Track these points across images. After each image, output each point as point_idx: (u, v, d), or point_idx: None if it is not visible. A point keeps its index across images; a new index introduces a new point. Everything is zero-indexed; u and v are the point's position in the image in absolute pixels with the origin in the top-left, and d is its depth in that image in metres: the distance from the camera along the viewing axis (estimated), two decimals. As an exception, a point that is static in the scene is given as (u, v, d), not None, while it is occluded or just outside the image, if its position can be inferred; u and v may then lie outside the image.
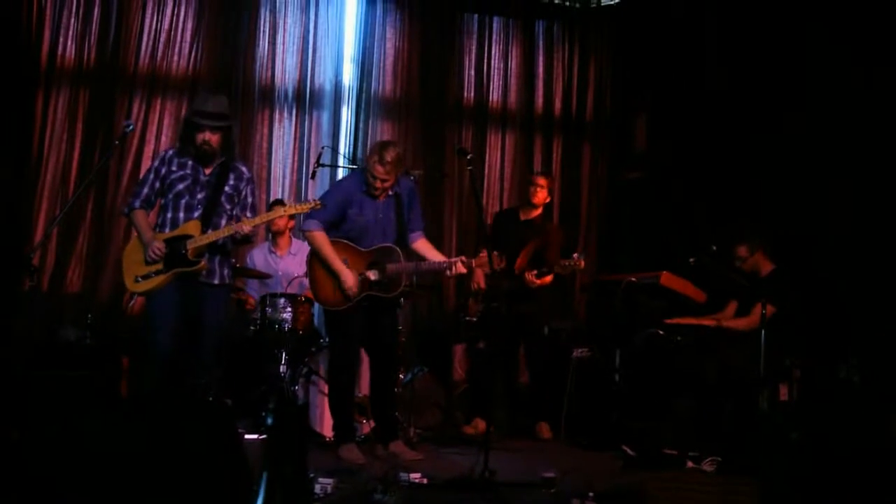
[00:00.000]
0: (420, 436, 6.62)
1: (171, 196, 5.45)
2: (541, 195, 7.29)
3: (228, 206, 5.51)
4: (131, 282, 5.39)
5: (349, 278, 5.76)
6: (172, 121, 7.96)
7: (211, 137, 5.40)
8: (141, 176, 5.61)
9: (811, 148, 7.17)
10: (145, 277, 5.34)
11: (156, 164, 5.53)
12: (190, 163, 5.46)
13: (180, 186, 5.43)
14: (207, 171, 5.47)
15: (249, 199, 5.64)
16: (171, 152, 5.54)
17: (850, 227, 6.85)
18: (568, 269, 6.90)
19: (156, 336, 5.36)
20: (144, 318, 5.53)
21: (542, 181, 7.33)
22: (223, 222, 5.46)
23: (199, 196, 5.44)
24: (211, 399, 5.59)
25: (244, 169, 5.66)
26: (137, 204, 5.47)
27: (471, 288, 7.22)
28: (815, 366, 6.42)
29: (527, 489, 4.96)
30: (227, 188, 5.49)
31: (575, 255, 6.96)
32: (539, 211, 7.36)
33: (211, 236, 5.35)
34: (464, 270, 5.87)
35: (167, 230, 5.42)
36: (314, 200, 5.62)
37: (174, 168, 5.46)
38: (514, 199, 8.64)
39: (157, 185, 5.48)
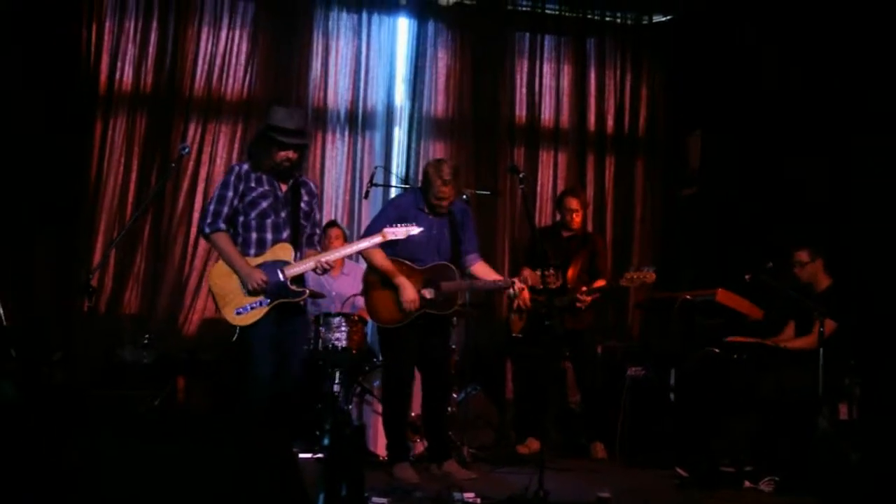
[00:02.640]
0: (474, 455, 6.60)
1: (254, 214, 5.24)
2: (577, 219, 7.23)
3: (305, 224, 5.40)
4: (232, 315, 5.14)
5: (410, 291, 5.75)
6: (227, 143, 8.10)
7: (293, 156, 5.25)
8: (216, 192, 5.32)
9: (868, 163, 7.05)
10: (246, 309, 5.14)
11: (231, 179, 5.28)
12: (265, 178, 5.29)
13: (264, 205, 5.25)
14: (283, 188, 5.33)
15: (318, 216, 5.59)
16: (245, 167, 5.31)
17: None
18: (637, 281, 6.72)
19: (257, 370, 5.16)
20: (243, 349, 5.25)
21: (574, 204, 7.23)
22: (304, 241, 5.39)
23: (283, 215, 5.28)
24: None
25: (312, 185, 5.54)
26: (222, 225, 5.23)
27: (514, 305, 7.17)
28: (876, 384, 6.30)
29: (582, 509, 4.93)
30: (302, 205, 5.37)
31: (644, 268, 6.79)
32: (579, 224, 7.32)
33: (305, 264, 5.22)
34: (524, 287, 5.87)
35: (252, 251, 5.23)
36: (413, 225, 5.50)
37: (252, 184, 5.26)
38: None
39: (236, 202, 5.25)
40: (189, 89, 8.10)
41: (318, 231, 5.56)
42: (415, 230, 5.50)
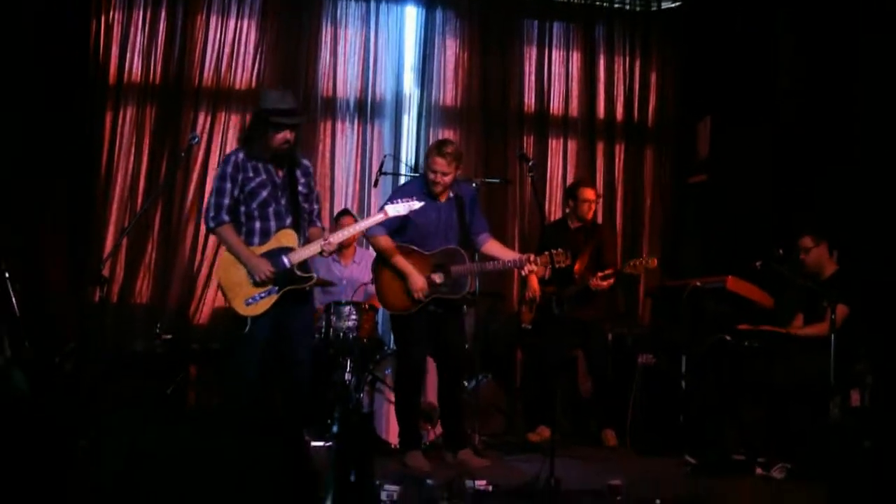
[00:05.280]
0: (485, 443, 6.61)
1: (255, 205, 5.20)
2: (592, 209, 7.20)
3: (306, 206, 5.37)
4: (242, 306, 5.13)
5: (417, 280, 5.75)
6: (237, 133, 8.08)
7: (291, 137, 5.21)
8: (215, 184, 5.28)
9: (879, 150, 7.02)
10: (255, 299, 5.13)
11: (229, 170, 5.21)
12: (261, 166, 5.23)
13: (264, 194, 5.21)
14: (280, 174, 5.28)
15: (316, 193, 5.52)
16: (241, 156, 5.23)
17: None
18: (639, 268, 6.80)
19: (242, 363, 5.23)
20: (236, 335, 5.28)
21: (591, 195, 7.20)
22: (306, 225, 5.37)
23: (283, 201, 5.24)
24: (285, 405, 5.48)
25: (305, 161, 5.46)
26: (226, 217, 5.20)
27: (524, 296, 7.19)
28: (888, 371, 6.29)
29: (592, 497, 4.93)
30: (300, 187, 5.31)
31: (645, 255, 6.85)
32: (592, 216, 7.30)
33: (309, 249, 5.20)
34: (535, 268, 5.83)
35: (256, 240, 5.21)
36: (414, 200, 5.46)
37: (250, 174, 5.20)
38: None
39: (237, 192, 5.21)
40: (198, 79, 8.11)
41: (316, 207, 5.49)
42: (416, 205, 5.47)
